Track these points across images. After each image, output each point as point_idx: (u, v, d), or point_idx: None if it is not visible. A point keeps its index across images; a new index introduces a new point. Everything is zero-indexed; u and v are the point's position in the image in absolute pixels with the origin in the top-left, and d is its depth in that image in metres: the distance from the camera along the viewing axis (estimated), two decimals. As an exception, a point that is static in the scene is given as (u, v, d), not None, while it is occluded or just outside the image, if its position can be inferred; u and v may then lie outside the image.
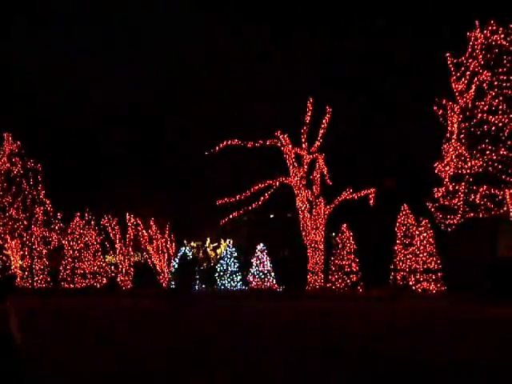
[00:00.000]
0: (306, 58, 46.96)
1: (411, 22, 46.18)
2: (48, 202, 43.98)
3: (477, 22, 29.40)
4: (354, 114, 41.68)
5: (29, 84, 57.10)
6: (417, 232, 31.84)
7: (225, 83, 48.84)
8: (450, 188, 29.47)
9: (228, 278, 36.59)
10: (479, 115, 28.56)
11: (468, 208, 28.70)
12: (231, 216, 35.95)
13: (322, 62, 46.08)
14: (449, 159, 29.76)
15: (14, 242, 43.40)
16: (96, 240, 40.75)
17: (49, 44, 72.53)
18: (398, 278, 32.23)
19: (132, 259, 41.35)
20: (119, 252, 40.74)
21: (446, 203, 29.66)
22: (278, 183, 35.12)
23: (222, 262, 37.54)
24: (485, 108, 28.52)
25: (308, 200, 34.90)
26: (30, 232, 41.92)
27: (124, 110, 57.08)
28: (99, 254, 40.66)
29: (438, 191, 30.16)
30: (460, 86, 29.76)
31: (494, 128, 28.24)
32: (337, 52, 45.86)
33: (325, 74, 45.52)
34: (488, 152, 28.05)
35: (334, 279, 33.24)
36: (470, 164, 28.55)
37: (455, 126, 29.58)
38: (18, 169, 43.49)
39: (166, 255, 40.96)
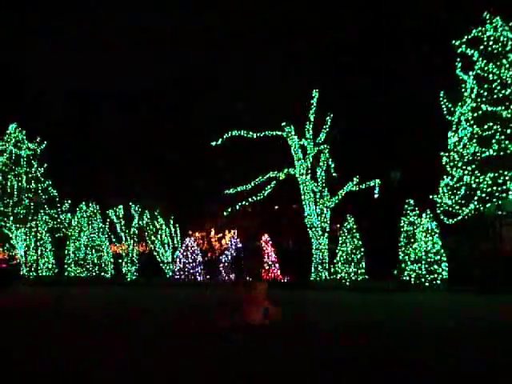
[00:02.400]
0: (314, 49, 47.04)
1: (419, 13, 46.12)
2: (54, 190, 44.32)
3: (484, 14, 29.35)
4: (360, 105, 41.70)
5: (34, 76, 57.49)
6: (421, 224, 31.70)
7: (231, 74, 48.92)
8: (455, 180, 29.43)
9: (233, 268, 36.66)
10: (485, 107, 28.50)
11: (473, 200, 28.62)
12: (236, 207, 35.89)
13: (329, 53, 46.18)
14: (454, 151, 29.72)
15: (19, 231, 43.62)
16: (101, 230, 40.92)
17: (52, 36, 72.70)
18: (403, 270, 32.15)
19: (137, 249, 41.43)
20: (124, 242, 40.85)
21: (451, 195, 29.63)
22: (282, 174, 35.08)
23: (226, 252, 37.64)
24: (491, 100, 28.47)
25: (313, 191, 34.87)
26: (35, 221, 42.10)
27: (128, 100, 57.25)
28: (104, 243, 40.85)
29: (443, 183, 30.15)
30: (466, 77, 29.71)
31: (499, 120, 28.20)
32: (344, 42, 45.92)
33: (332, 65, 45.59)
34: (493, 143, 27.99)
35: (338, 270, 33.23)
36: (475, 156, 28.49)
37: (461, 117, 29.55)
38: (23, 158, 43.73)
39: (170, 246, 41.07)
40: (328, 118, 34.61)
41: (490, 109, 28.31)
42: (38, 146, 44.57)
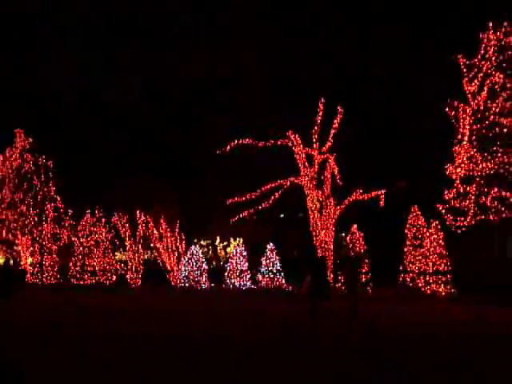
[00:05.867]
0: (318, 58, 47.23)
1: (424, 23, 46.33)
2: (59, 198, 44.39)
3: (490, 24, 29.38)
4: (366, 114, 41.78)
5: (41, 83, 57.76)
6: (427, 233, 31.69)
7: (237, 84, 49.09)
8: (461, 190, 29.43)
9: (237, 276, 36.65)
10: (491, 117, 28.50)
11: (479, 210, 28.63)
12: (241, 215, 35.90)
13: (335, 62, 46.39)
14: (460, 161, 29.72)
15: (24, 239, 43.70)
16: (106, 237, 40.88)
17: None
18: (408, 279, 32.14)
19: (142, 257, 41.39)
20: (129, 249, 40.84)
21: (457, 205, 29.62)
22: (288, 183, 35.06)
23: (231, 260, 37.62)
24: (497, 110, 28.47)
25: (318, 200, 34.83)
26: (40, 228, 42.13)
27: (137, 108, 57.39)
28: (109, 251, 40.81)
29: (449, 193, 30.16)
30: (472, 88, 29.71)
31: (505, 130, 28.21)
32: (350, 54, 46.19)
33: (338, 74, 45.78)
34: (499, 154, 28.00)
35: (343, 279, 33.11)
36: (481, 166, 28.50)
37: (467, 127, 29.53)
38: (29, 165, 43.88)
39: (175, 253, 41.10)
40: (334, 126, 34.54)
41: (495, 119, 28.32)
42: (45, 154, 44.70)
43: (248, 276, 36.91)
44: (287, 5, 61.82)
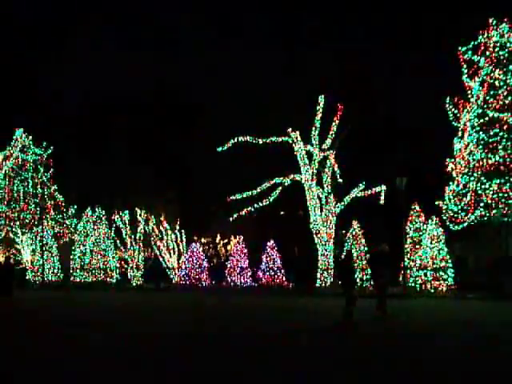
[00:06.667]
0: (318, 56, 47.33)
1: (424, 19, 46.42)
2: (59, 196, 44.47)
3: (490, 20, 29.44)
4: (366, 111, 41.85)
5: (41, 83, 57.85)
6: (427, 230, 31.68)
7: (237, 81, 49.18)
8: (461, 186, 29.44)
9: (238, 274, 36.68)
10: (491, 113, 28.53)
11: (479, 207, 28.64)
12: (242, 213, 35.85)
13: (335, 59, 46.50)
14: (460, 157, 29.77)
15: (25, 237, 43.76)
16: (106, 235, 40.88)
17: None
18: (408, 276, 32.12)
19: (142, 255, 41.40)
20: (130, 247, 40.86)
21: (457, 201, 29.62)
22: (288, 180, 35.09)
23: (232, 258, 37.65)
24: (497, 106, 28.50)
25: (318, 197, 34.85)
26: (41, 226, 42.16)
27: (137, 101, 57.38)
28: (110, 249, 40.83)
29: (449, 189, 30.18)
30: (472, 84, 29.77)
31: (506, 127, 28.23)
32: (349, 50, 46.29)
33: (337, 72, 45.87)
34: (500, 150, 28.03)
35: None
36: (481, 162, 28.52)
37: (467, 124, 29.59)
38: (29, 163, 43.96)
39: (176, 251, 41.15)
40: (334, 124, 34.54)
41: (496, 115, 28.35)
42: (45, 151, 44.81)
43: (249, 273, 36.96)
44: (287, 4, 61.86)
